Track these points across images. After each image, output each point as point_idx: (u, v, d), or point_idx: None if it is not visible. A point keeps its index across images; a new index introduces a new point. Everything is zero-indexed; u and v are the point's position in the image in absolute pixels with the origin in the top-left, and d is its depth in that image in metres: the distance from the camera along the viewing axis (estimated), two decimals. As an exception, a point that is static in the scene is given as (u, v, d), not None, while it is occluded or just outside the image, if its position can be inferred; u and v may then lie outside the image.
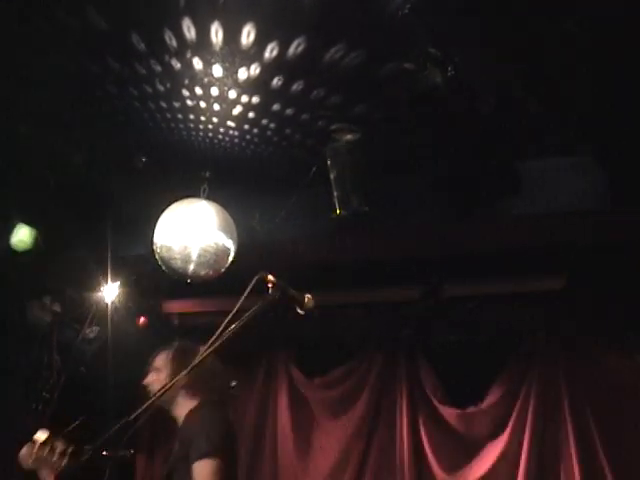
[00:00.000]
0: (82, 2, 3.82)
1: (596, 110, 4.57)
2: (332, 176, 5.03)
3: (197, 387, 4.46)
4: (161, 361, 4.70)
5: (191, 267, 5.24)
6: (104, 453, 2.60)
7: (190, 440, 4.15)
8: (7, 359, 6.88)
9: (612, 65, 4.14)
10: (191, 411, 4.46)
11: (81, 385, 7.00)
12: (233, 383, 4.68)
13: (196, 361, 3.07)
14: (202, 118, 4.78)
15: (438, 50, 4.02)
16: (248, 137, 4.99)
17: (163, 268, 5.35)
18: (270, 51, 4.04)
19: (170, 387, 3.54)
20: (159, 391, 3.73)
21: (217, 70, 4.25)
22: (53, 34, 4.12)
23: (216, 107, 4.62)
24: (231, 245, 5.32)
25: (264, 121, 4.78)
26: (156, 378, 4.64)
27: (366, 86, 4.40)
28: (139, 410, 2.73)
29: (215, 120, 4.80)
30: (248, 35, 3.92)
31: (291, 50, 4.01)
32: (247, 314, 3.01)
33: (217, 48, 4.05)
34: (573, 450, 6.47)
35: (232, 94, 4.47)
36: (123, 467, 7.37)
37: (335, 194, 5.06)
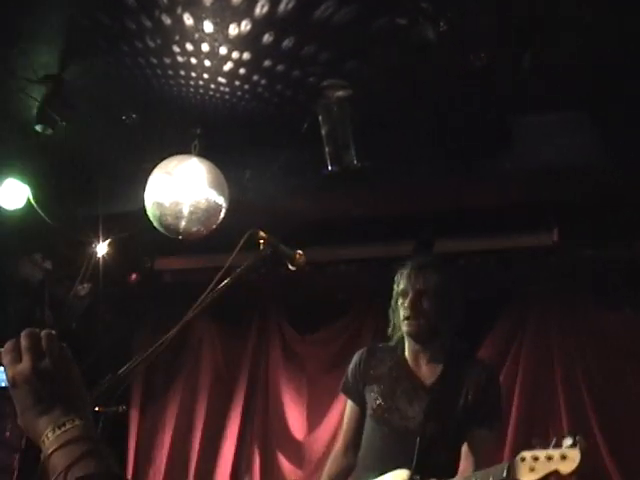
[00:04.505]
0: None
1: (591, 66, 4.56)
2: (323, 132, 5.02)
3: None
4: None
5: (182, 224, 5.25)
6: (96, 409, 2.60)
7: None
8: (-1, 315, 6.89)
9: (609, 18, 4.12)
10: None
11: (73, 341, 7.00)
12: None
13: (187, 317, 3.07)
14: (193, 74, 4.76)
15: (430, 4, 4.00)
16: (239, 93, 4.97)
17: (154, 225, 5.34)
18: (261, 7, 4.01)
19: (160, 346, 3.48)
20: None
21: (208, 26, 4.22)
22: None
23: (207, 63, 4.60)
24: (222, 202, 5.32)
25: (255, 77, 4.77)
26: None
27: (357, 42, 4.38)
28: (131, 366, 2.73)
29: (206, 76, 4.78)
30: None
31: (282, 6, 3.99)
32: (238, 270, 3.01)
33: (208, 4, 4.03)
34: (562, 405, 6.50)
35: (223, 50, 4.45)
36: (116, 423, 7.39)
37: (327, 150, 5.06)
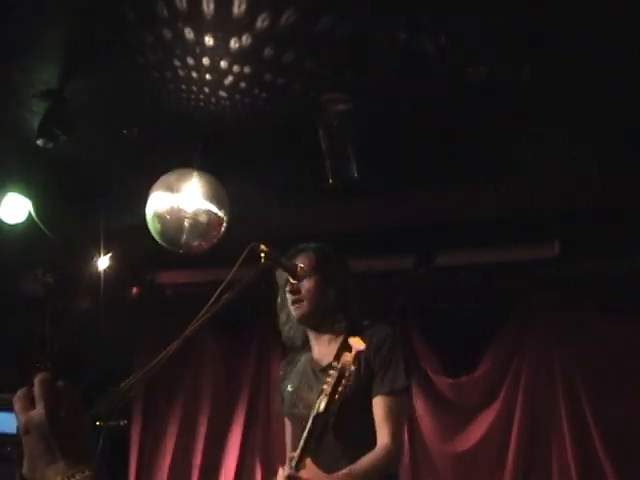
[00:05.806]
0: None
1: (591, 79, 4.57)
2: (324, 146, 5.02)
3: None
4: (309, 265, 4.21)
5: (183, 238, 5.25)
6: (97, 424, 2.59)
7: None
8: (0, 331, 6.89)
9: (605, 33, 4.13)
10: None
11: (74, 356, 7.01)
12: None
13: (188, 331, 3.06)
14: (194, 88, 4.76)
15: (430, 18, 4.01)
16: (240, 107, 4.97)
17: (155, 239, 5.34)
18: (261, 21, 4.02)
19: (161, 360, 3.46)
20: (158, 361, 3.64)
21: (208, 40, 4.23)
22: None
23: (208, 77, 4.61)
24: (223, 215, 5.32)
25: (255, 91, 4.77)
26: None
27: (358, 55, 4.38)
28: (132, 380, 2.73)
29: (207, 90, 4.78)
30: (239, 5, 3.90)
31: (282, 20, 4.00)
32: (239, 284, 3.01)
33: (208, 18, 4.04)
34: (564, 418, 6.51)
35: (224, 64, 4.46)
36: (117, 437, 7.39)
37: (327, 164, 5.06)
